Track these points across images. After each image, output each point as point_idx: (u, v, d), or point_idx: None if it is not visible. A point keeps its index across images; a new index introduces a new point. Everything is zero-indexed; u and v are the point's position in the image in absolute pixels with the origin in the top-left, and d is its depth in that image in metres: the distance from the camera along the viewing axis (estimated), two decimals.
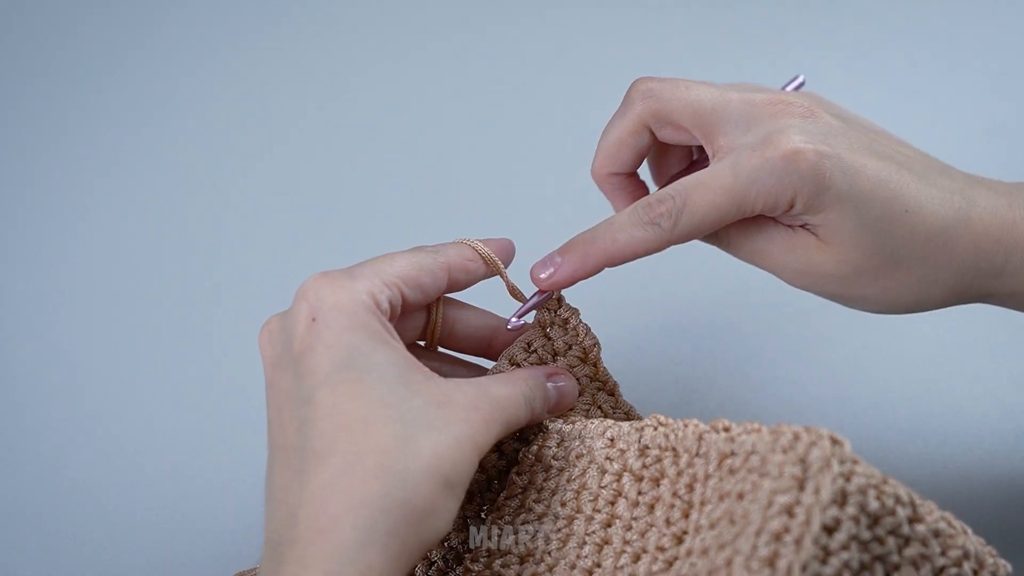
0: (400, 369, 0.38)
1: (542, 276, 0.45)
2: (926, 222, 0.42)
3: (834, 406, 0.60)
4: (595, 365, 0.50)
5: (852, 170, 0.41)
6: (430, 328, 0.46)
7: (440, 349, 0.48)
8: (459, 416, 0.38)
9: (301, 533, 0.35)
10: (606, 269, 0.45)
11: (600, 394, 0.51)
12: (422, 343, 0.47)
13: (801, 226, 0.43)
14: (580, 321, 0.49)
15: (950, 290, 0.43)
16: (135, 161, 0.83)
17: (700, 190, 0.41)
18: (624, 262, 0.44)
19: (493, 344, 0.47)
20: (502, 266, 0.46)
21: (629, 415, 0.51)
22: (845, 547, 0.34)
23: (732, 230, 0.44)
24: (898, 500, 0.35)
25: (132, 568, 0.56)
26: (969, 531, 0.37)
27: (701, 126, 0.43)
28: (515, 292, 0.48)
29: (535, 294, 0.47)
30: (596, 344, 0.49)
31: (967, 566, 0.36)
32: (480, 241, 0.45)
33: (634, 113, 0.44)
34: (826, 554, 0.34)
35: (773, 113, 0.42)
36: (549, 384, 0.45)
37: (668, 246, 0.43)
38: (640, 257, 0.44)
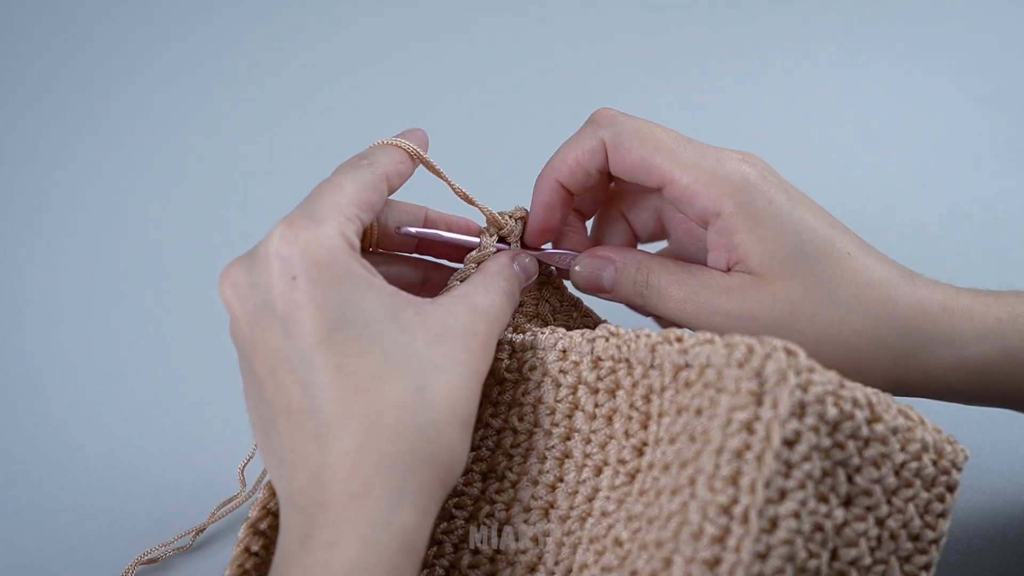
0: (392, 311, 0.37)
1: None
2: (869, 269, 0.41)
3: None
4: (538, 260, 0.50)
5: (794, 200, 0.41)
6: (370, 234, 0.44)
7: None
8: (460, 346, 0.38)
9: (331, 498, 0.34)
10: None
11: (546, 288, 0.50)
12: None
13: (732, 267, 0.42)
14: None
15: (895, 354, 0.41)
16: (133, 160, 0.82)
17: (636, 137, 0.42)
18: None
19: (427, 239, 0.46)
20: (439, 170, 0.45)
21: (577, 306, 0.51)
22: (807, 458, 0.33)
23: (664, 277, 0.44)
24: (855, 403, 0.35)
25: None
26: (927, 421, 0.37)
27: (653, 152, 0.42)
28: (466, 197, 0.46)
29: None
30: None
31: (926, 458, 0.36)
32: (397, 138, 0.44)
33: (595, 134, 0.43)
34: (788, 467, 0.33)
35: (722, 150, 0.42)
36: (516, 267, 0.45)
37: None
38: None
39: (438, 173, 0.45)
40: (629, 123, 0.43)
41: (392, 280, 0.40)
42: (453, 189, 0.45)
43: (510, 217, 0.48)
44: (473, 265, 0.46)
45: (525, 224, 0.48)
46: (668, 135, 0.42)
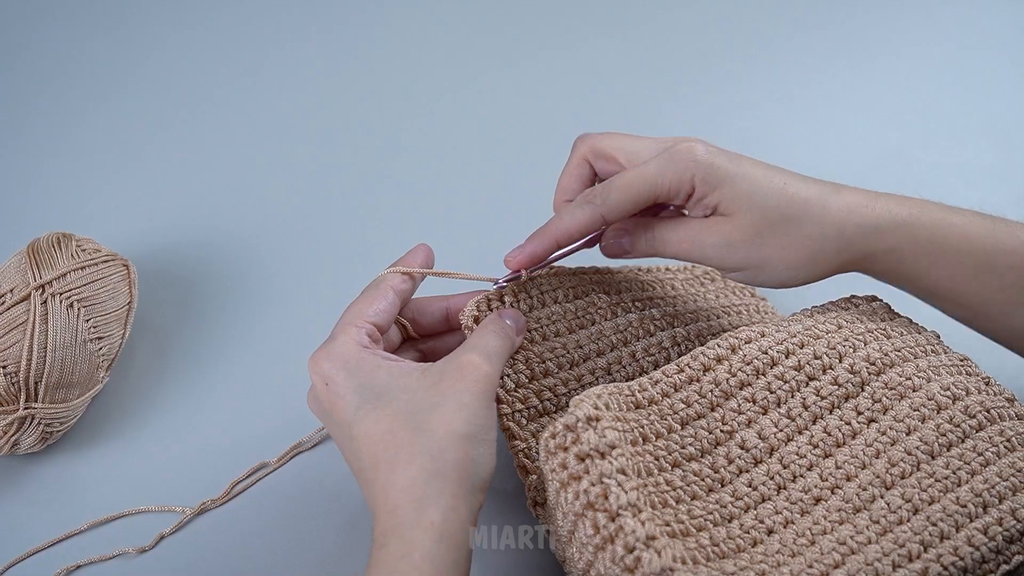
0: (398, 379, 0.49)
1: (509, 258, 0.55)
2: (801, 192, 0.53)
3: None
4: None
5: (736, 159, 0.53)
6: (402, 330, 0.58)
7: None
8: (453, 381, 0.48)
9: (379, 517, 0.46)
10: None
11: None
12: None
13: (711, 214, 0.53)
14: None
15: (839, 245, 0.53)
16: (142, 164, 0.87)
17: (623, 178, 0.53)
18: (570, 243, 0.55)
19: (450, 317, 0.58)
20: (446, 272, 0.56)
21: None
22: None
23: (660, 229, 0.55)
24: None
25: None
26: None
27: (626, 154, 0.56)
28: (469, 276, 0.56)
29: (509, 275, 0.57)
30: None
31: None
32: (401, 265, 0.55)
33: (578, 153, 0.58)
34: None
35: (678, 140, 0.54)
36: (508, 321, 0.54)
37: (602, 224, 0.54)
38: (582, 237, 0.55)
39: (443, 274, 0.56)
40: (601, 137, 0.57)
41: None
42: (460, 276, 0.56)
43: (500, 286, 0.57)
44: (471, 319, 0.54)
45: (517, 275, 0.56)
46: (633, 139, 0.56)
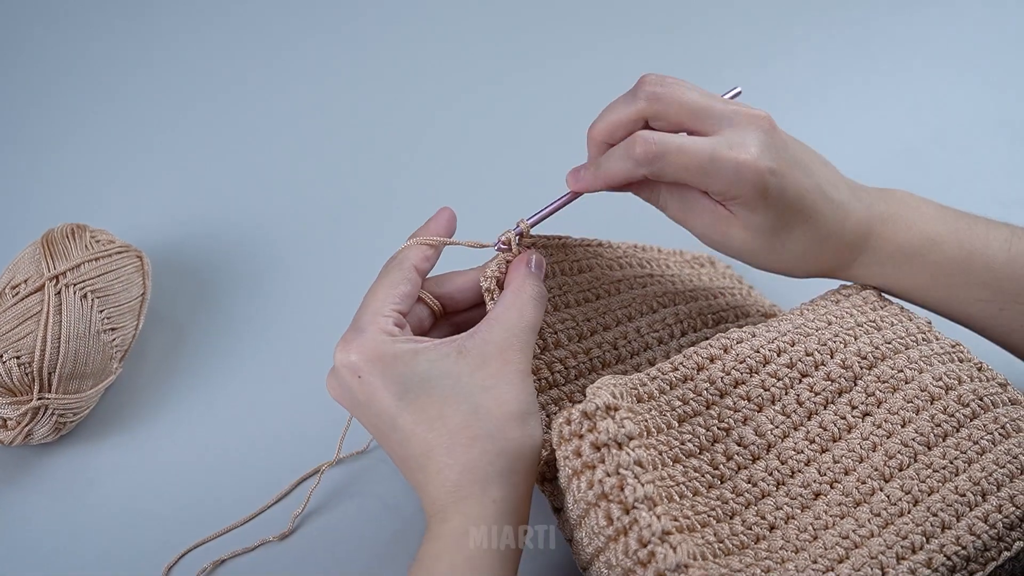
0: (438, 363, 0.48)
1: (572, 178, 0.54)
2: (816, 230, 0.53)
3: None
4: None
5: (784, 184, 0.50)
6: (433, 309, 0.56)
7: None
8: (499, 363, 0.49)
9: (436, 499, 0.47)
10: None
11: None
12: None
13: (724, 205, 0.52)
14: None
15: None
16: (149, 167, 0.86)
17: (678, 154, 0.50)
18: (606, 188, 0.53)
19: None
20: (453, 240, 0.55)
21: None
22: None
23: (667, 193, 0.53)
24: None
25: None
26: None
27: (692, 122, 0.51)
28: (477, 245, 0.55)
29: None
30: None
31: None
32: (422, 234, 0.54)
33: (637, 108, 0.51)
34: None
35: (747, 121, 0.51)
36: (532, 267, 0.53)
37: (637, 176, 0.51)
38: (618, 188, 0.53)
39: (456, 243, 0.55)
40: (669, 99, 0.51)
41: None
42: (469, 244, 0.55)
43: (516, 234, 0.54)
44: (493, 281, 0.52)
45: (524, 230, 0.54)
46: (703, 105, 0.51)
